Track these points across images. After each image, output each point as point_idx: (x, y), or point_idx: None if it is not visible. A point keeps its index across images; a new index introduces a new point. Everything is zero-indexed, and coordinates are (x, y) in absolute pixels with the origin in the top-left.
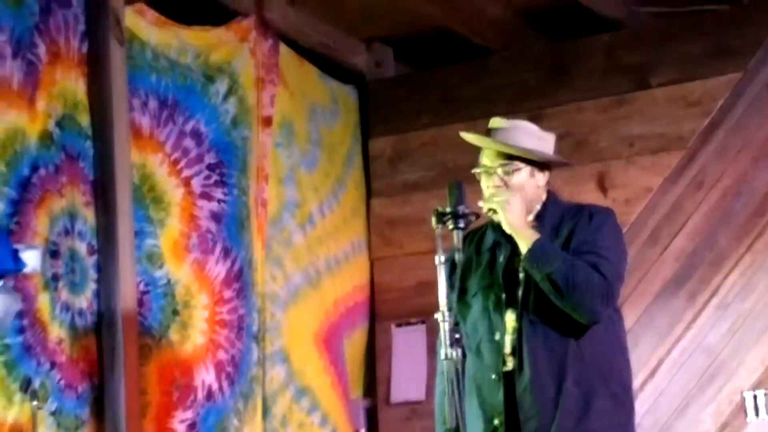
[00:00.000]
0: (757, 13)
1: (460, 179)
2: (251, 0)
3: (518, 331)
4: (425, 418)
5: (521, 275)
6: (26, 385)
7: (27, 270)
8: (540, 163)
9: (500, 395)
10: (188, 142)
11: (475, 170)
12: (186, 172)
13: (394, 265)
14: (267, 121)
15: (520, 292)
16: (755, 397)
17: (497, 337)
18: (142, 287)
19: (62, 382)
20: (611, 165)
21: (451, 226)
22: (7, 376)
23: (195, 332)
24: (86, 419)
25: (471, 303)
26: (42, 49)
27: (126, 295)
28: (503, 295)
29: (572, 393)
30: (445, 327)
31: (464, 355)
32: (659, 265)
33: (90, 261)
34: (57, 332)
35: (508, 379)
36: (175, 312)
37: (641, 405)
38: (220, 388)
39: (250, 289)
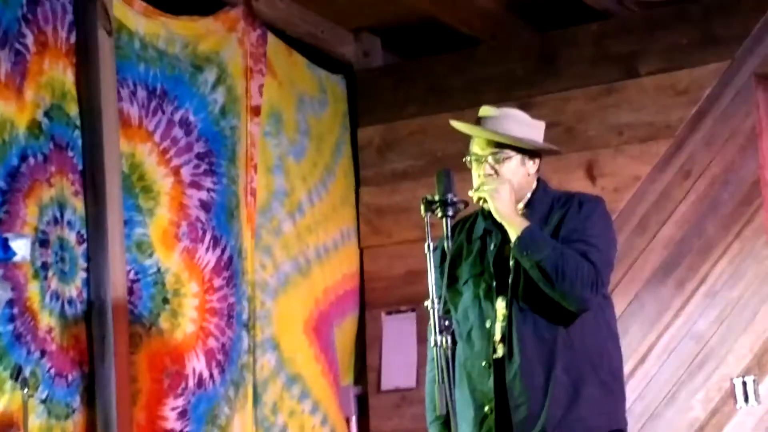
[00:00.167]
0: (744, 3)
1: (449, 168)
2: None
3: (508, 319)
4: (415, 405)
5: (511, 263)
6: (16, 374)
7: (16, 259)
8: (530, 151)
9: (490, 382)
10: (177, 132)
11: (466, 159)
12: (175, 162)
13: (383, 254)
14: (255, 111)
15: (510, 280)
16: (744, 383)
17: (488, 324)
18: (131, 276)
19: (52, 371)
20: (600, 153)
21: (439, 214)
22: None
23: (185, 320)
24: (77, 407)
25: (462, 291)
26: (30, 39)
27: (116, 284)
28: (494, 283)
29: (561, 380)
30: (434, 314)
31: (454, 343)
32: (648, 253)
33: (79, 250)
34: (47, 321)
35: (498, 367)
36: (165, 300)
37: (631, 392)
38: (211, 375)
39: (240, 277)
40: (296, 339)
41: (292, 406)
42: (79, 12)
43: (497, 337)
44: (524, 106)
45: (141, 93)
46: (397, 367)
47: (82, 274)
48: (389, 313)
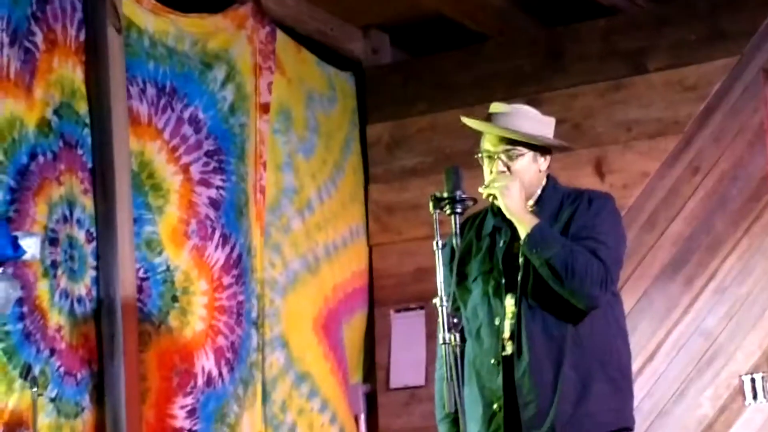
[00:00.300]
0: None
1: (458, 164)
2: None
3: (517, 316)
4: (425, 402)
5: (521, 260)
6: (26, 372)
7: (26, 257)
8: (542, 148)
9: (499, 380)
10: (186, 129)
11: (478, 155)
12: (184, 159)
13: (392, 251)
14: (265, 108)
15: (519, 277)
16: (753, 380)
17: (497, 321)
18: (141, 274)
19: (62, 369)
20: (608, 150)
21: (448, 211)
22: (7, 363)
23: (194, 318)
24: (86, 406)
25: (471, 288)
26: (39, 37)
27: (125, 282)
28: (503, 280)
29: (570, 377)
30: (443, 312)
31: (463, 340)
32: (656, 250)
33: (89, 248)
34: (56, 319)
35: (507, 364)
36: (175, 298)
37: (640, 388)
38: (220, 374)
39: (249, 275)
40: (305, 337)
41: (301, 404)
42: (89, 10)
43: (506, 334)
44: (532, 103)
45: (150, 91)
46: (406, 365)
47: (92, 273)
48: (398, 310)
